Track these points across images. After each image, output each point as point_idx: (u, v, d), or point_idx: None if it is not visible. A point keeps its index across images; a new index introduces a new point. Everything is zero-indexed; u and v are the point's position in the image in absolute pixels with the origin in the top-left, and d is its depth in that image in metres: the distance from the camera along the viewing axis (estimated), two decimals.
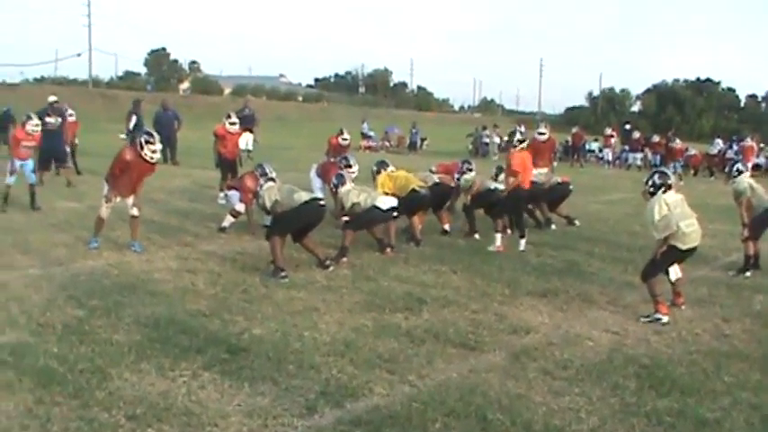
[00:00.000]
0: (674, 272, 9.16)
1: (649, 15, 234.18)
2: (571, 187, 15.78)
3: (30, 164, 14.72)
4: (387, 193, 12.23)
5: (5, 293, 8.61)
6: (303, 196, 10.39)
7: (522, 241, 12.70)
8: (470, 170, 14.13)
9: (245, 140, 26.28)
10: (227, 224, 13.11)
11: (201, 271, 10.16)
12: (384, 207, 11.53)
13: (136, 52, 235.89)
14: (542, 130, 19.24)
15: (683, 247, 8.90)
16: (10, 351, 6.67)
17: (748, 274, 11.41)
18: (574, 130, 40.26)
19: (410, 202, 12.52)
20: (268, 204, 10.48)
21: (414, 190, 12.62)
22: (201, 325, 7.74)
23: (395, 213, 11.78)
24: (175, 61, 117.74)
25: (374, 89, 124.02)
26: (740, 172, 11.89)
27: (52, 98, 20.73)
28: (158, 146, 11.08)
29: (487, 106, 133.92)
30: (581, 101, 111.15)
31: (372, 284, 9.86)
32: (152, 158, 11.02)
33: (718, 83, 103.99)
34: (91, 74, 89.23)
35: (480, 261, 11.58)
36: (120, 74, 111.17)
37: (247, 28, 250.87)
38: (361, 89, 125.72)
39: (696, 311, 9.23)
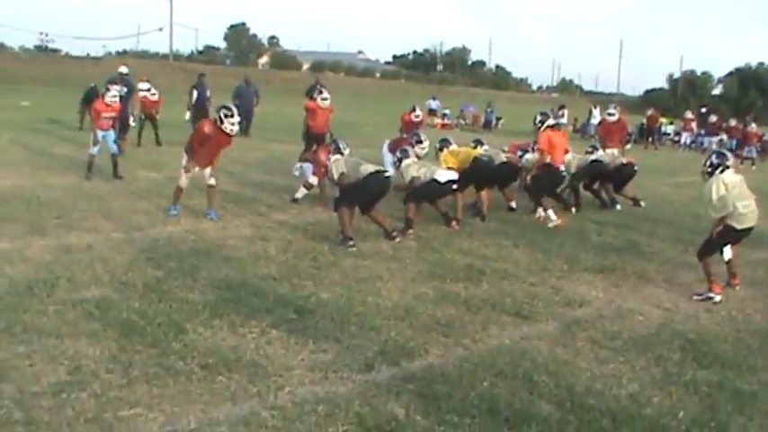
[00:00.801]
0: (727, 252, 9.39)
1: None
2: (636, 168, 15.93)
3: (111, 134, 15.27)
4: (449, 168, 12.56)
5: (91, 254, 9.20)
6: (369, 168, 10.81)
7: (538, 213, 13.44)
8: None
9: None
10: (300, 195, 13.60)
11: (273, 239, 10.65)
12: (442, 180, 11.85)
13: (216, 27, 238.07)
14: (612, 110, 19.42)
15: (739, 227, 9.11)
16: (95, 305, 7.24)
17: None
18: (649, 112, 40.07)
19: (475, 171, 12.85)
20: (335, 176, 10.92)
21: (476, 158, 12.97)
22: (271, 288, 8.24)
23: (454, 186, 12.10)
24: (255, 36, 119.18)
25: (452, 67, 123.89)
26: None
27: (123, 69, 21.46)
28: (237, 118, 11.56)
29: (566, 87, 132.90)
30: (661, 83, 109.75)
31: (436, 256, 10.27)
32: (231, 131, 11.52)
33: None
34: (172, 48, 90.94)
35: (542, 237, 11.91)
36: (200, 48, 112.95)
37: (327, 3, 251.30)
38: (439, 67, 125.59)
39: (750, 292, 9.44)
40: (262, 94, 29.25)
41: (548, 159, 13.22)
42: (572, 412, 5.52)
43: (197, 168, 11.79)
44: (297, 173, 14.71)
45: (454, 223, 12.23)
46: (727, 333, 7.76)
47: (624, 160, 16.07)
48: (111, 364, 5.88)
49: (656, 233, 12.90)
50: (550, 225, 12.87)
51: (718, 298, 8.88)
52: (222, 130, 11.44)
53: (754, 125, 32.98)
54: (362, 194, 10.82)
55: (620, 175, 15.69)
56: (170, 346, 6.33)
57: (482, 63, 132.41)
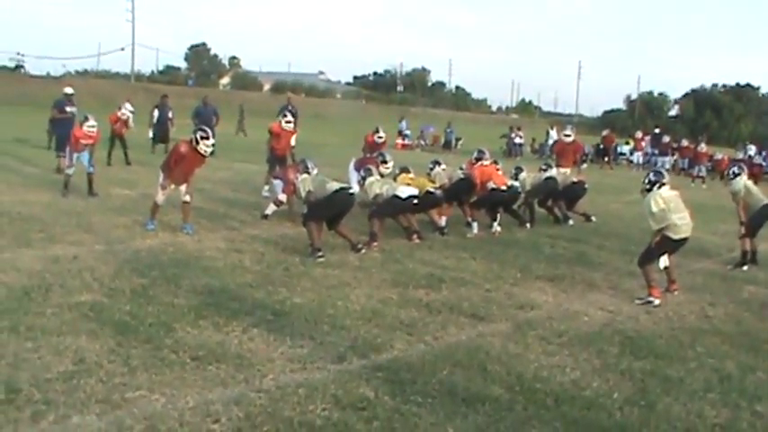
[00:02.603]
0: (664, 261, 10.25)
1: (690, 19, 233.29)
2: (586, 186, 16.85)
3: (86, 155, 15.90)
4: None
5: (78, 264, 9.85)
6: (334, 186, 11.60)
7: (495, 225, 14.60)
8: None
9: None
10: (270, 212, 14.30)
11: (247, 251, 11.36)
12: (403, 196, 12.72)
13: (177, 47, 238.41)
14: (568, 132, 20.39)
15: (675, 237, 10.01)
16: (89, 308, 7.93)
17: (745, 268, 12.47)
18: (604, 132, 41.22)
19: (425, 201, 13.64)
20: (303, 193, 11.68)
21: (428, 191, 13.77)
22: (249, 294, 8.97)
23: (415, 201, 12.92)
24: (215, 56, 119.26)
25: (412, 88, 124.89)
26: (736, 174, 12.93)
27: (69, 90, 22.56)
28: (212, 140, 12.31)
29: (525, 107, 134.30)
30: (619, 104, 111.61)
31: (399, 266, 11.05)
32: (206, 152, 12.26)
33: (758, 88, 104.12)
34: (133, 68, 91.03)
35: (499, 250, 12.74)
36: (161, 68, 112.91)
37: (288, 24, 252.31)
38: (399, 88, 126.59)
39: (687, 297, 10.32)
40: (223, 114, 29.76)
41: (490, 185, 14.25)
42: (520, 394, 6.33)
43: (173, 186, 12.46)
44: (267, 194, 15.35)
45: (415, 236, 13.00)
46: (662, 331, 8.62)
47: (575, 179, 16.96)
48: (111, 356, 6.59)
49: (604, 246, 13.79)
50: (469, 235, 14.00)
51: (657, 302, 9.74)
52: (197, 151, 12.16)
53: (703, 145, 34.12)
54: (328, 210, 11.56)
55: (572, 193, 16.58)
56: (162, 341, 7.05)
57: (442, 84, 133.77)
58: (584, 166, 27.72)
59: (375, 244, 12.20)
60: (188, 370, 6.41)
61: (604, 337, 8.18)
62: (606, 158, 39.16)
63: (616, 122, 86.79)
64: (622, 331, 8.46)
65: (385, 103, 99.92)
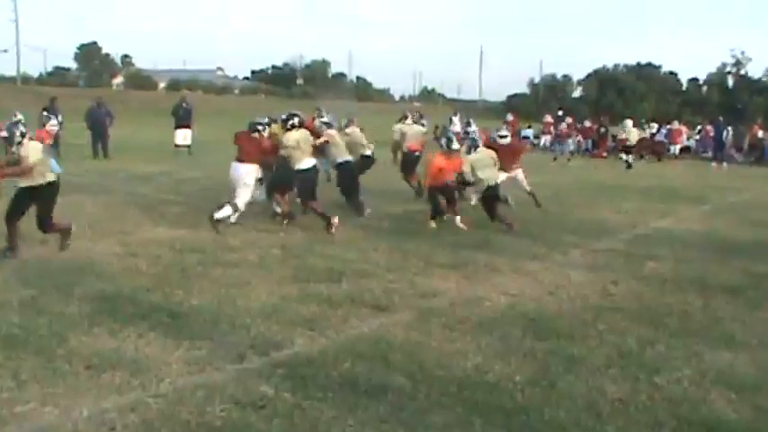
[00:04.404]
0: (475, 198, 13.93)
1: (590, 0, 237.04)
2: (418, 155, 18.10)
3: None
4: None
5: None
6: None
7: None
8: None
9: (183, 135, 27.37)
10: (279, 210, 14.11)
11: (143, 254, 11.02)
12: (304, 167, 13.17)
13: (65, 47, 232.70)
14: (503, 132, 19.70)
15: (486, 186, 14.06)
16: None
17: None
18: (509, 117, 41.53)
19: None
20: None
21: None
22: (145, 297, 8.73)
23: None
24: (107, 55, 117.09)
25: (313, 81, 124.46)
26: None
27: None
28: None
29: (428, 95, 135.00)
30: (523, 88, 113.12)
31: (299, 261, 10.89)
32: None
33: (659, 67, 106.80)
34: (19, 70, 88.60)
35: (401, 240, 12.64)
36: (50, 69, 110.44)
37: (183, 20, 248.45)
38: (300, 81, 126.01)
39: (590, 277, 10.44)
40: (117, 115, 29.16)
41: None
42: (423, 382, 6.30)
43: None
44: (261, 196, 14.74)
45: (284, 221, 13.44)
46: (565, 311, 8.70)
47: (405, 149, 18.42)
48: None
49: (507, 230, 13.81)
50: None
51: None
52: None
53: (587, 123, 36.10)
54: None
55: (406, 162, 18.11)
56: (54, 352, 6.80)
57: (343, 75, 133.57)
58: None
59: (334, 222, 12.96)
60: (82, 379, 6.21)
61: (507, 321, 8.19)
62: None
63: (520, 107, 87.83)
64: (525, 314, 8.49)
65: (285, 97, 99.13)
